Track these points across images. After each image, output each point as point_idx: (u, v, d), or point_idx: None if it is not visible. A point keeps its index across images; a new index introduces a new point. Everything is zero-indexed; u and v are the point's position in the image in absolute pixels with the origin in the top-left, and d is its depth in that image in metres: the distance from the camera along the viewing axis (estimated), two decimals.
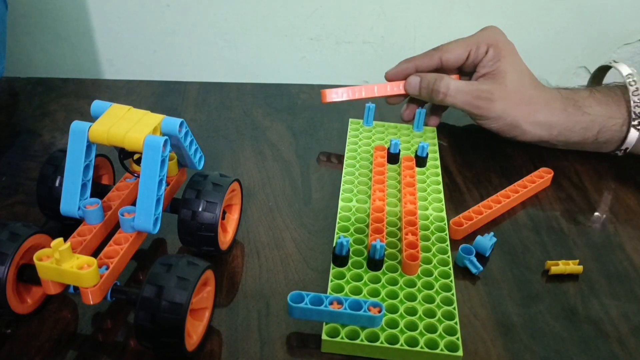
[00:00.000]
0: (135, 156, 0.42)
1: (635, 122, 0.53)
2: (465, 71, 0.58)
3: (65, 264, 0.34)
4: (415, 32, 0.77)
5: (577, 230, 0.49)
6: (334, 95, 0.58)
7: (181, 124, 0.39)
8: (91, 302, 0.36)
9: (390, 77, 0.58)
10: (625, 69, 0.55)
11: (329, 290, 0.41)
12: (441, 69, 0.57)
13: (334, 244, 0.43)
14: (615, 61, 0.57)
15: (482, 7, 0.75)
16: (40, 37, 0.75)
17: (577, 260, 0.45)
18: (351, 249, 0.44)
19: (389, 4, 0.75)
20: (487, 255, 0.46)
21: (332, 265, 0.42)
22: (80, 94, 0.66)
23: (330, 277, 0.42)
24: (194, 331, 0.37)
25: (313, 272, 0.44)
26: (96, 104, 0.40)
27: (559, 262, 0.45)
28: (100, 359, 0.37)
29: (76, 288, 0.36)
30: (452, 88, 0.54)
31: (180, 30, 0.75)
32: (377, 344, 0.37)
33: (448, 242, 0.45)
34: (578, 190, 0.54)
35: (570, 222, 0.50)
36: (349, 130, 0.59)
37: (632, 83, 0.53)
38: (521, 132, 0.55)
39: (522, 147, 0.58)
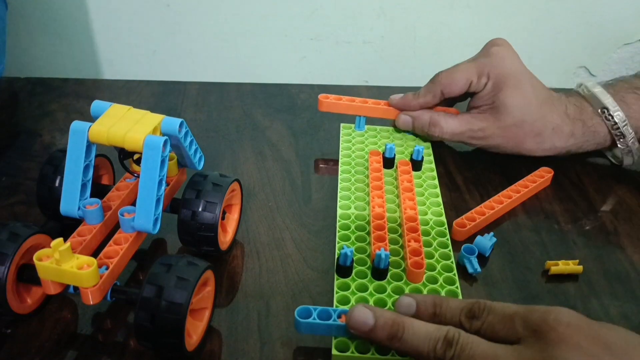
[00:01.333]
0: (135, 156, 0.42)
1: None
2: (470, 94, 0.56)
3: (65, 264, 0.34)
4: (415, 32, 0.77)
5: (577, 230, 0.49)
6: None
7: (181, 124, 0.39)
8: (91, 302, 0.36)
9: (393, 105, 0.57)
10: (618, 115, 0.52)
11: (334, 302, 0.40)
12: (444, 100, 0.56)
13: (337, 255, 0.42)
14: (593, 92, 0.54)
15: (482, 7, 0.75)
16: (40, 37, 0.75)
17: (577, 260, 0.45)
18: (354, 259, 0.43)
19: (389, 4, 0.74)
20: (487, 255, 0.46)
21: (335, 276, 0.42)
22: (80, 94, 0.66)
23: (335, 289, 0.41)
24: (194, 331, 0.37)
25: (313, 272, 0.44)
26: (96, 104, 0.40)
27: (559, 262, 0.45)
28: (100, 359, 0.37)
29: (76, 288, 0.36)
30: (446, 132, 0.55)
31: (180, 30, 0.75)
32: (389, 356, 0.36)
33: (450, 247, 0.45)
34: (578, 190, 0.54)
35: (570, 222, 0.50)
36: (340, 135, 0.58)
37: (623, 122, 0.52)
38: (526, 155, 0.56)
39: None
